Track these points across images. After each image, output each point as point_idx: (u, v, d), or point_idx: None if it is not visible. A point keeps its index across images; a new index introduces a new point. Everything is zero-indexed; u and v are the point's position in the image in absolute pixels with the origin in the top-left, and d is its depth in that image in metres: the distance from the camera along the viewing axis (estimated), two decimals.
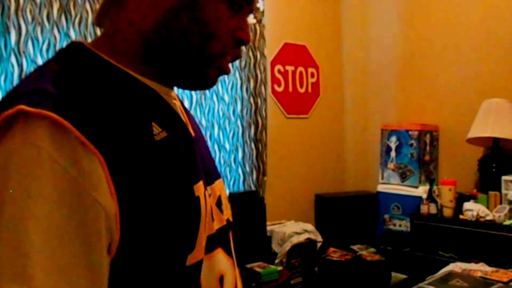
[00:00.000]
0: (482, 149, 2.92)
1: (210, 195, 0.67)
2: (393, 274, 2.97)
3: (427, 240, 2.81)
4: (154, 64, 0.63)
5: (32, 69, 2.34)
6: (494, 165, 2.76)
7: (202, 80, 0.65)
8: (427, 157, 3.14)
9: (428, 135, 3.14)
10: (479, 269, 2.18)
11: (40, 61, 2.37)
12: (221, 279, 0.67)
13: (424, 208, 2.86)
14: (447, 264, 2.34)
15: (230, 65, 0.66)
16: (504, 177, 2.66)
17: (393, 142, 3.23)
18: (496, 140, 2.76)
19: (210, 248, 0.64)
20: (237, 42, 0.63)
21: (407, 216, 3.01)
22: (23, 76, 2.31)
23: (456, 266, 2.23)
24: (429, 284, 1.91)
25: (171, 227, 0.57)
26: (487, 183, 2.78)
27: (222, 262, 0.67)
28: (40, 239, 0.46)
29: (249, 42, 0.65)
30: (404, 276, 2.92)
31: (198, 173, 0.64)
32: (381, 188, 3.24)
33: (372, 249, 3.15)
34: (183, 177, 0.61)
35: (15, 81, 2.29)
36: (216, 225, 0.67)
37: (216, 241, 0.66)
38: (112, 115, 0.54)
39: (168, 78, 0.65)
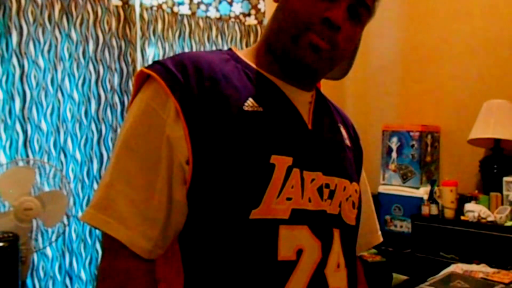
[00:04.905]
0: (484, 150, 2.91)
1: (313, 180, 0.76)
2: (394, 275, 2.96)
3: (428, 241, 2.80)
4: (272, 59, 0.79)
5: (33, 70, 2.35)
6: (495, 166, 2.76)
7: (296, 59, 0.75)
8: (428, 158, 3.13)
9: (429, 136, 3.14)
10: (481, 270, 2.18)
11: (41, 62, 2.37)
12: (300, 253, 0.72)
13: (425, 209, 2.85)
14: (448, 265, 2.33)
15: (325, 43, 0.74)
16: (505, 178, 2.65)
17: (394, 143, 3.22)
18: (497, 141, 2.75)
19: (294, 220, 0.72)
20: (323, 20, 0.73)
21: (408, 217, 3.00)
22: (24, 77, 2.31)
23: (458, 267, 2.22)
24: (430, 285, 1.91)
25: (237, 178, 0.69)
26: (488, 184, 2.78)
27: (304, 239, 0.73)
28: (118, 152, 0.72)
29: (338, 21, 0.73)
30: (405, 277, 2.91)
31: (289, 149, 0.74)
32: (382, 189, 3.23)
33: (373, 250, 3.15)
34: (263, 143, 0.72)
35: (17, 82, 2.29)
36: (309, 206, 0.75)
37: (303, 217, 0.73)
38: (212, 84, 0.72)
39: (287, 72, 0.79)
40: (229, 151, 0.70)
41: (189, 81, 0.71)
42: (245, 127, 0.72)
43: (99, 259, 0.74)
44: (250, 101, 0.74)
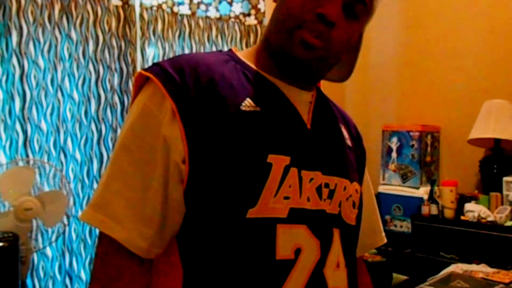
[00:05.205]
0: (483, 150, 2.91)
1: (312, 179, 0.76)
2: (394, 275, 2.96)
3: (428, 241, 2.80)
4: (271, 59, 0.79)
5: (33, 70, 2.35)
6: (495, 166, 2.75)
7: (289, 55, 0.75)
8: (428, 158, 3.13)
9: (429, 136, 3.14)
10: (481, 270, 2.18)
11: (41, 62, 2.37)
12: (298, 252, 0.72)
13: (425, 209, 2.85)
14: (448, 265, 2.33)
15: (317, 40, 0.74)
16: (505, 178, 2.65)
17: (394, 143, 3.22)
18: (497, 141, 2.75)
19: (293, 219, 0.72)
20: (317, 17, 0.73)
21: (408, 217, 3.00)
22: (24, 77, 2.31)
23: (457, 267, 2.22)
24: (430, 285, 1.91)
25: (233, 178, 0.69)
26: (488, 184, 2.78)
27: (303, 238, 0.73)
28: (116, 152, 0.73)
29: (332, 18, 0.73)
30: (405, 277, 2.91)
31: (286, 148, 0.74)
32: (382, 189, 3.23)
33: (373, 250, 3.15)
34: (260, 143, 0.72)
35: (16, 82, 2.29)
36: (308, 205, 0.74)
37: (302, 216, 0.73)
38: (209, 85, 0.72)
39: (284, 71, 0.79)
40: (226, 150, 0.70)
41: (186, 82, 0.72)
42: (242, 126, 0.72)
43: (94, 257, 0.74)
44: (247, 101, 0.74)
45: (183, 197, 0.71)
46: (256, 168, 0.70)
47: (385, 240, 1.02)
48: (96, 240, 0.74)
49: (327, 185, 0.78)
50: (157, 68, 0.74)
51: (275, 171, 0.71)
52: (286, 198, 0.72)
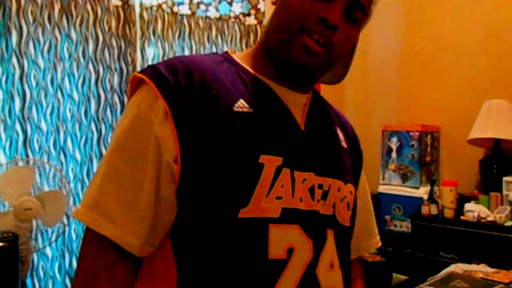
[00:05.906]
0: (483, 150, 2.91)
1: (304, 180, 0.76)
2: (394, 275, 2.96)
3: (428, 241, 2.80)
4: (268, 61, 0.79)
5: (33, 70, 2.35)
6: (495, 166, 2.76)
7: (290, 60, 0.76)
8: (428, 158, 3.13)
9: (429, 136, 3.14)
10: (480, 270, 2.18)
11: (41, 62, 2.37)
12: (290, 251, 0.72)
13: (425, 209, 2.85)
14: (448, 265, 2.33)
15: (319, 46, 0.74)
16: (505, 178, 2.65)
17: (394, 143, 3.22)
18: (497, 141, 2.75)
19: (285, 219, 0.72)
20: (320, 21, 0.73)
21: (408, 217, 3.01)
22: (24, 77, 2.31)
23: (457, 267, 2.22)
24: (430, 285, 1.91)
25: (225, 178, 0.70)
26: (488, 184, 2.78)
27: (295, 237, 0.73)
28: (109, 153, 0.74)
29: (334, 21, 0.73)
30: (405, 277, 2.91)
31: (279, 149, 0.74)
32: (382, 189, 3.23)
33: (373, 250, 3.15)
34: (252, 143, 0.72)
35: (16, 82, 2.29)
36: (300, 205, 0.75)
37: (295, 217, 0.73)
38: (203, 86, 0.73)
39: (282, 74, 0.79)
40: (217, 150, 0.70)
41: (179, 82, 0.72)
42: (234, 127, 0.72)
43: (78, 256, 0.74)
44: (240, 102, 0.75)
45: (175, 197, 0.72)
46: (248, 168, 0.71)
47: (380, 244, 1.02)
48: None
49: (320, 186, 0.78)
50: (150, 70, 0.75)
51: (267, 172, 0.72)
52: (278, 198, 0.72)
